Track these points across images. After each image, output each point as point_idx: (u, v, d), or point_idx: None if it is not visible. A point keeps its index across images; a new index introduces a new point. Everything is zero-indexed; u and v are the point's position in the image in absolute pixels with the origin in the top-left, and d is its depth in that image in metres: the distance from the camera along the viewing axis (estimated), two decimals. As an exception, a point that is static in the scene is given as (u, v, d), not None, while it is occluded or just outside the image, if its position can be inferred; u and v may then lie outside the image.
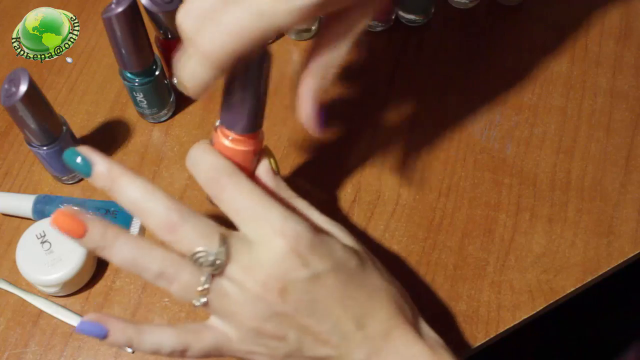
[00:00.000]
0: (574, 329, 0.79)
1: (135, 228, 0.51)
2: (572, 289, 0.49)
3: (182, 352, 0.38)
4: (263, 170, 0.41)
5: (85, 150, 0.37)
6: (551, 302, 0.49)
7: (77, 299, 0.49)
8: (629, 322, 0.77)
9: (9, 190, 0.54)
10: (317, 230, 0.38)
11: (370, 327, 0.39)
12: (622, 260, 0.50)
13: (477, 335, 0.47)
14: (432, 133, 0.55)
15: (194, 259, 0.36)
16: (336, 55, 0.38)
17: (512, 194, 0.52)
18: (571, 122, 0.56)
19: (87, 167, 0.37)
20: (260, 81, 0.38)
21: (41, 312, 0.49)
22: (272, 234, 0.36)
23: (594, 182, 0.53)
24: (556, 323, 0.78)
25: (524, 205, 0.52)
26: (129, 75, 0.52)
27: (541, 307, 0.48)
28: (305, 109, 0.39)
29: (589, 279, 0.49)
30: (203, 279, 0.37)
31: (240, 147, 0.39)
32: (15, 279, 0.50)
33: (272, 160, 0.42)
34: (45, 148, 0.49)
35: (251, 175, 0.41)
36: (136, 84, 0.52)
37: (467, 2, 0.61)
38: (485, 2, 0.61)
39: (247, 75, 0.37)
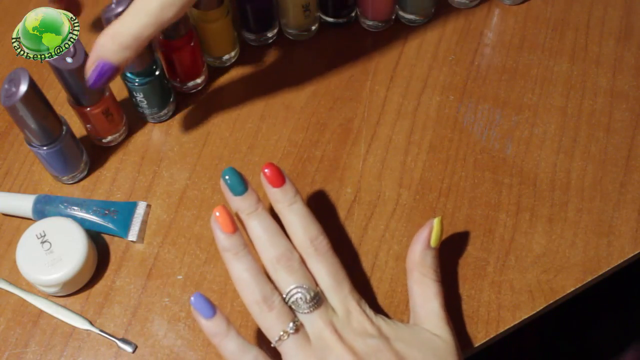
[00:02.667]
0: (574, 329, 0.79)
1: (134, 231, 0.51)
2: (572, 289, 0.49)
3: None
4: (421, 237, 0.46)
5: (243, 175, 0.44)
6: (551, 302, 0.49)
7: (77, 299, 0.49)
8: (629, 322, 0.77)
9: (9, 190, 0.54)
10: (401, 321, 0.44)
11: None
12: (622, 260, 0.50)
13: (477, 335, 0.47)
14: (432, 133, 0.55)
15: (292, 292, 0.41)
16: (126, 27, 0.43)
17: (512, 194, 0.52)
18: (571, 122, 0.56)
19: (244, 188, 0.44)
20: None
21: (41, 312, 0.49)
22: (350, 296, 0.43)
23: (594, 182, 0.53)
24: (556, 323, 0.78)
25: (524, 205, 0.52)
26: (129, 75, 0.52)
27: (541, 307, 0.48)
28: (88, 60, 0.45)
29: (589, 279, 0.49)
30: (291, 323, 0.41)
31: None
32: (15, 279, 0.50)
33: (437, 230, 0.46)
34: (45, 148, 0.49)
35: None
36: (136, 84, 0.52)
37: (467, 2, 0.61)
38: (485, 2, 0.61)
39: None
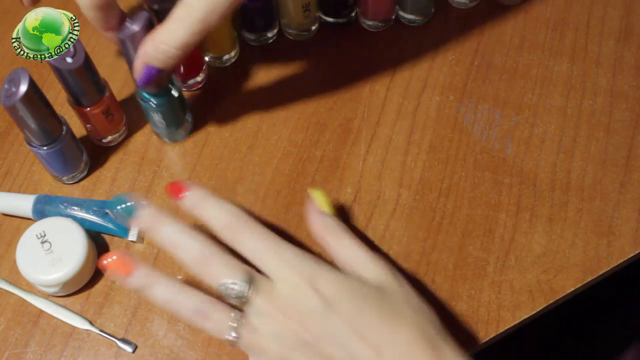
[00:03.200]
0: (574, 329, 0.79)
1: (134, 231, 0.51)
2: (572, 289, 0.49)
3: None
4: (311, 209, 0.46)
5: (134, 197, 0.45)
6: (551, 302, 0.49)
7: (77, 299, 0.49)
8: (629, 322, 0.77)
9: (9, 190, 0.54)
10: (335, 269, 0.42)
11: (389, 354, 0.39)
12: (622, 260, 0.50)
13: (477, 335, 0.47)
14: (432, 133, 0.55)
15: (222, 289, 0.41)
16: (170, 35, 0.44)
17: (512, 194, 0.52)
18: (571, 122, 0.56)
19: (134, 209, 0.44)
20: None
21: (41, 312, 0.49)
22: (288, 271, 0.41)
23: (594, 182, 0.53)
24: (556, 323, 0.78)
25: (524, 205, 0.52)
26: (145, 95, 0.51)
27: (541, 307, 0.48)
28: (135, 65, 0.46)
29: (589, 279, 0.49)
30: (233, 314, 0.41)
31: None
32: (15, 279, 0.50)
33: (321, 198, 0.46)
34: (45, 148, 0.49)
35: None
36: (153, 104, 0.51)
37: (467, 2, 0.61)
38: (485, 2, 0.61)
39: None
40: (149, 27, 0.46)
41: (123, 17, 0.47)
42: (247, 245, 0.42)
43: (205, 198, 0.44)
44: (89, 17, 0.46)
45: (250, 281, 0.41)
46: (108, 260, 0.42)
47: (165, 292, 0.42)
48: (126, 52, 0.48)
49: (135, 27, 0.46)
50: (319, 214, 0.46)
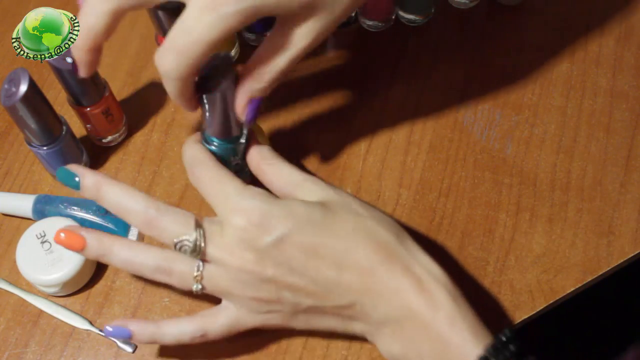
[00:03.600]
0: (574, 329, 0.79)
1: (134, 231, 0.51)
2: (572, 289, 0.49)
3: (202, 337, 0.43)
4: (252, 145, 0.47)
5: (73, 167, 0.43)
6: (551, 302, 0.49)
7: (77, 299, 0.49)
8: (629, 322, 0.77)
9: (9, 190, 0.54)
10: (272, 198, 0.42)
11: (352, 270, 0.41)
12: (622, 260, 0.50)
13: (477, 335, 0.47)
14: (432, 133, 0.55)
15: (177, 247, 0.41)
16: (273, 65, 0.42)
17: (512, 194, 0.52)
18: (571, 122, 0.56)
19: (76, 182, 0.43)
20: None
21: (41, 312, 0.49)
22: (231, 212, 0.41)
23: (594, 182, 0.53)
24: (556, 323, 0.78)
25: (524, 205, 0.52)
26: (215, 140, 0.46)
27: (541, 307, 0.48)
28: (238, 103, 0.44)
29: (589, 279, 0.49)
30: (195, 266, 0.41)
31: None
32: (15, 279, 0.50)
33: (259, 132, 0.48)
34: (45, 148, 0.49)
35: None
36: (216, 147, 0.47)
37: (467, 2, 0.61)
38: (485, 2, 0.61)
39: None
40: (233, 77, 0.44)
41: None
42: (200, 189, 0.44)
43: (184, 146, 0.45)
44: (174, 93, 0.42)
45: (201, 233, 0.41)
46: (60, 237, 0.42)
47: (122, 255, 0.42)
48: (213, 109, 0.45)
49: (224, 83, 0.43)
50: (255, 144, 0.46)
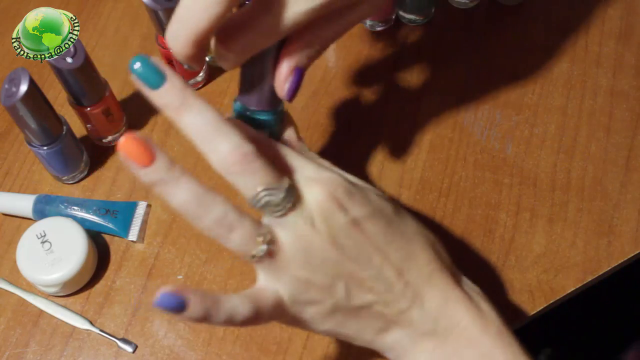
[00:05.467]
0: (574, 329, 0.79)
1: (134, 231, 0.51)
2: (572, 289, 0.49)
3: (254, 319, 0.37)
4: (289, 135, 0.42)
5: (156, 60, 0.35)
6: (551, 302, 0.49)
7: (77, 299, 0.49)
8: (629, 322, 0.77)
9: (9, 190, 0.54)
10: (348, 175, 0.39)
11: (411, 272, 0.39)
12: (622, 260, 0.50)
13: (477, 335, 0.47)
14: (433, 133, 0.55)
15: (260, 196, 0.35)
16: (329, 30, 0.38)
17: (512, 194, 0.52)
18: (571, 122, 0.56)
19: (160, 76, 0.35)
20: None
21: (41, 312, 0.49)
22: (310, 182, 0.37)
23: (594, 182, 0.53)
24: (556, 323, 0.78)
25: (524, 205, 0.52)
26: (248, 111, 0.41)
27: (541, 307, 0.48)
28: (281, 72, 0.39)
29: (589, 279, 0.49)
30: (264, 229, 0.36)
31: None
32: (16, 278, 0.50)
33: (294, 127, 0.43)
34: (45, 148, 0.49)
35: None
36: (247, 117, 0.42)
37: (467, 2, 0.61)
38: (485, 2, 0.61)
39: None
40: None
41: None
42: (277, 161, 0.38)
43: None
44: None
45: (291, 192, 0.36)
46: (128, 145, 0.34)
47: (187, 191, 0.35)
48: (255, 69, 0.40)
49: None
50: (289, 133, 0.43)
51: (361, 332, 0.40)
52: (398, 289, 0.39)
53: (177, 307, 0.35)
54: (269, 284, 0.38)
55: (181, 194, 0.35)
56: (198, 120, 0.34)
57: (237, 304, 0.37)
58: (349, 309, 0.39)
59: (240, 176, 0.35)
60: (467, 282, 0.41)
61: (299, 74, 0.39)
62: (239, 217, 0.36)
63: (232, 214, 0.35)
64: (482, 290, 0.41)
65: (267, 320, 0.38)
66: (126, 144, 0.34)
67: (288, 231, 0.37)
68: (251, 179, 0.35)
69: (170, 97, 0.34)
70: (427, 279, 0.39)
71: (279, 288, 0.38)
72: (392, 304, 0.39)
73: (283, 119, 0.42)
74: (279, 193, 0.35)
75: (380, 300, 0.39)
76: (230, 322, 0.37)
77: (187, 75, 0.56)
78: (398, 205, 0.41)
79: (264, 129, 0.41)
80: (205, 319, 0.36)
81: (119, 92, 0.57)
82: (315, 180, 0.37)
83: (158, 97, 0.35)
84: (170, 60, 0.54)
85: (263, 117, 0.40)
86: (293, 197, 0.36)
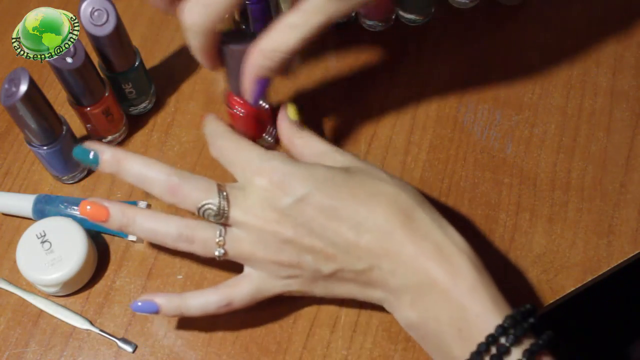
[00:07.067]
0: (574, 329, 0.79)
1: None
2: (572, 289, 0.49)
3: (228, 306, 0.44)
4: (281, 118, 0.49)
5: (90, 144, 0.44)
6: (551, 302, 0.49)
7: (77, 299, 0.49)
8: (629, 322, 0.77)
9: (9, 190, 0.54)
10: (294, 160, 0.43)
11: (369, 234, 0.41)
12: (622, 260, 0.50)
13: (477, 335, 0.47)
14: (432, 133, 0.55)
15: (201, 213, 0.42)
16: (282, 42, 0.42)
17: (512, 194, 0.52)
18: (571, 122, 0.56)
19: (96, 157, 0.44)
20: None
21: (41, 312, 0.49)
22: (253, 174, 0.42)
23: (594, 181, 0.53)
24: (556, 323, 0.78)
25: (524, 205, 0.52)
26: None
27: (541, 307, 0.48)
28: (244, 81, 0.45)
29: (589, 279, 0.49)
30: (217, 231, 0.43)
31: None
32: (16, 278, 0.50)
33: (291, 109, 0.49)
34: (45, 148, 0.49)
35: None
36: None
37: (467, 2, 0.61)
38: (485, 2, 0.61)
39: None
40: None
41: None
42: (223, 158, 0.45)
43: (204, 122, 0.48)
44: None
45: (224, 196, 0.42)
46: (86, 209, 0.43)
47: (145, 224, 0.43)
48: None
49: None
50: (286, 120, 0.48)
51: (351, 293, 0.43)
52: (356, 252, 0.41)
53: (152, 311, 0.44)
54: (250, 272, 0.44)
55: (140, 230, 0.44)
56: (133, 171, 0.43)
57: (208, 297, 0.44)
58: (325, 276, 0.42)
59: (177, 202, 0.43)
60: (450, 234, 0.41)
61: (262, 85, 0.45)
62: (192, 230, 0.43)
63: (185, 229, 0.43)
64: (466, 244, 0.41)
65: (247, 304, 0.44)
66: (83, 209, 0.44)
67: (240, 228, 0.43)
68: (185, 203, 0.43)
69: (108, 166, 0.44)
70: (390, 236, 0.40)
71: (258, 273, 0.43)
72: (357, 265, 0.41)
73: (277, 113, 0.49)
74: (213, 205, 0.42)
75: (345, 266, 0.41)
76: (205, 312, 0.44)
77: (255, 130, 0.53)
78: (356, 169, 0.43)
79: None
80: (180, 314, 0.45)
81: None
82: (258, 171, 0.42)
83: (101, 169, 0.44)
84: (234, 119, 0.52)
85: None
86: (226, 202, 0.42)
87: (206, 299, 0.44)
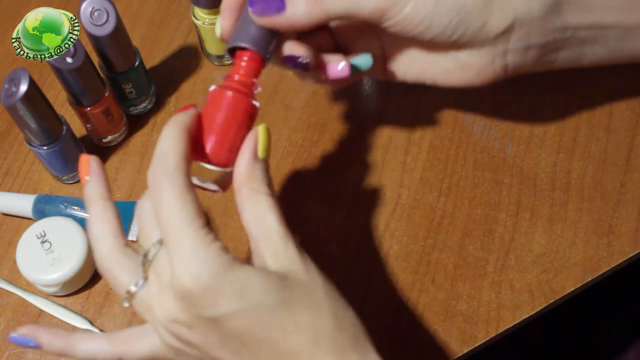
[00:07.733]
0: (574, 329, 0.79)
1: (134, 231, 0.51)
2: (572, 289, 0.49)
3: None
4: (247, 149, 0.39)
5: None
6: (551, 302, 0.49)
7: (77, 299, 0.49)
8: (629, 322, 0.77)
9: (9, 190, 0.54)
10: (227, 265, 0.35)
11: None
12: (622, 260, 0.50)
13: (477, 335, 0.47)
14: (432, 133, 0.55)
15: (130, 295, 0.37)
16: None
17: (512, 194, 0.52)
18: (571, 122, 0.55)
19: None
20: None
21: (41, 312, 0.49)
22: (181, 268, 0.35)
23: (594, 181, 0.53)
24: (556, 323, 0.78)
25: (524, 205, 0.52)
26: None
27: (541, 307, 0.48)
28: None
29: (589, 279, 0.49)
30: (135, 284, 0.37)
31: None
32: (16, 278, 0.50)
33: (262, 138, 0.39)
34: (45, 148, 0.49)
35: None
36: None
37: (467, 2, 0.61)
38: (485, 2, 0.61)
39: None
40: None
41: None
42: (155, 207, 0.37)
43: (164, 128, 0.39)
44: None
45: (147, 275, 0.37)
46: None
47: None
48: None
49: None
50: (251, 153, 0.39)
51: None
52: None
53: (34, 347, 0.40)
54: (154, 334, 0.39)
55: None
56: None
57: (98, 346, 0.39)
58: None
59: (110, 284, 0.39)
60: None
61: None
62: (119, 267, 0.38)
63: (112, 263, 0.38)
64: None
65: None
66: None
67: (153, 301, 0.37)
68: (115, 287, 0.38)
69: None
70: None
71: (160, 340, 0.38)
72: None
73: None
74: (137, 287, 0.37)
75: None
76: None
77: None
78: (293, 287, 0.36)
79: None
80: (65, 355, 0.40)
81: (119, 92, 0.57)
82: (185, 269, 0.35)
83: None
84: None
85: None
86: (148, 284, 0.37)
87: (96, 348, 0.39)
